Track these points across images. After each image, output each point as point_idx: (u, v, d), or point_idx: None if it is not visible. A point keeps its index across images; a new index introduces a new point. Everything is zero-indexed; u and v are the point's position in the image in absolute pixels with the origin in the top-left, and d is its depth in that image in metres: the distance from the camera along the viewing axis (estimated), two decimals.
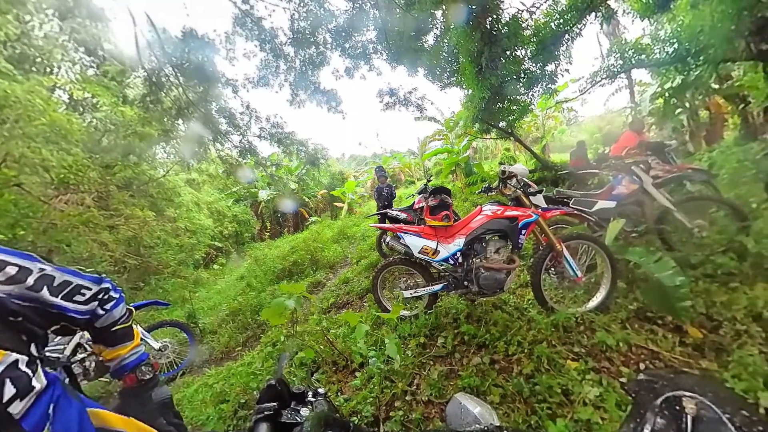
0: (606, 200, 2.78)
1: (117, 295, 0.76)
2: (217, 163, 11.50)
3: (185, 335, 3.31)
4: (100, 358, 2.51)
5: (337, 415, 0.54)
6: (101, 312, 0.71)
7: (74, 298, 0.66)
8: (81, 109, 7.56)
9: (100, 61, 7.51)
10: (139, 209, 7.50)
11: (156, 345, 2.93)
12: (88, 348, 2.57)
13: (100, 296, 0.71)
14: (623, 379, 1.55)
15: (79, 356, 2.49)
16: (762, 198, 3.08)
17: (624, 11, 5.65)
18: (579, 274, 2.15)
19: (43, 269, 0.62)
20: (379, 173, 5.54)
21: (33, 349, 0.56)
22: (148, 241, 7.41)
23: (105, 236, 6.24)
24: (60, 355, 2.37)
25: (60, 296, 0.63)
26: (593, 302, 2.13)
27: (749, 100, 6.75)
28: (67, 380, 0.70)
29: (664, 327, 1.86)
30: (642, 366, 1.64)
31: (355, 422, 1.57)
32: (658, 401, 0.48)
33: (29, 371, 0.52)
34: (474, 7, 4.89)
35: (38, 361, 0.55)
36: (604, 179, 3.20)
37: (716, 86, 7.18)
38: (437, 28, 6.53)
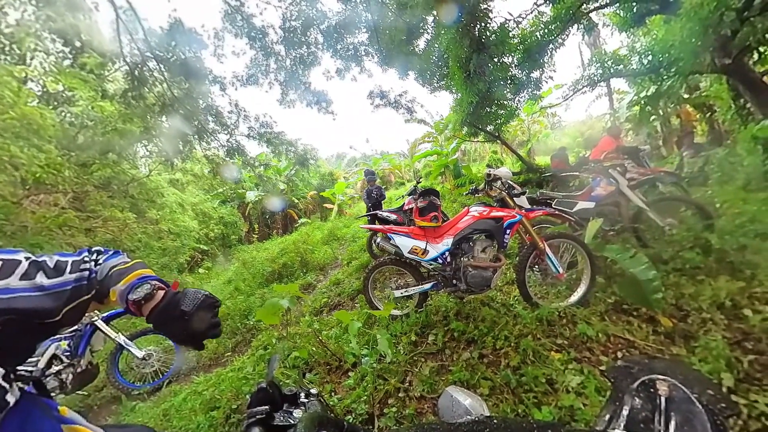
0: (585, 201, 2.94)
1: (111, 252, 0.72)
2: (202, 162, 11.17)
3: (170, 342, 3.19)
4: (78, 370, 2.40)
5: (331, 414, 0.53)
6: (96, 268, 0.68)
7: (80, 268, 0.64)
8: (55, 103, 7.12)
9: (78, 52, 7.10)
10: (119, 211, 7.16)
11: (140, 354, 2.81)
12: (65, 359, 2.43)
13: (93, 257, 0.69)
14: (602, 367, 1.65)
15: (55, 368, 2.35)
16: (723, 198, 3.34)
17: (604, 24, 6.00)
18: (561, 270, 2.26)
19: (28, 257, 0.59)
20: (369, 176, 5.54)
21: (6, 363, 0.52)
22: (128, 244, 7.08)
23: (81, 239, 5.92)
24: (33, 369, 2.23)
25: (61, 275, 0.60)
26: (574, 297, 2.24)
27: (715, 109, 7.29)
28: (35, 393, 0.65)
29: (639, 318, 1.99)
30: (619, 354, 1.75)
31: (350, 421, 1.58)
32: (635, 385, 0.52)
33: (6, 385, 0.50)
34: (464, 14, 5.03)
35: (11, 375, 0.52)
36: (584, 181, 3.38)
37: (686, 96, 7.70)
38: (428, 33, 6.66)
